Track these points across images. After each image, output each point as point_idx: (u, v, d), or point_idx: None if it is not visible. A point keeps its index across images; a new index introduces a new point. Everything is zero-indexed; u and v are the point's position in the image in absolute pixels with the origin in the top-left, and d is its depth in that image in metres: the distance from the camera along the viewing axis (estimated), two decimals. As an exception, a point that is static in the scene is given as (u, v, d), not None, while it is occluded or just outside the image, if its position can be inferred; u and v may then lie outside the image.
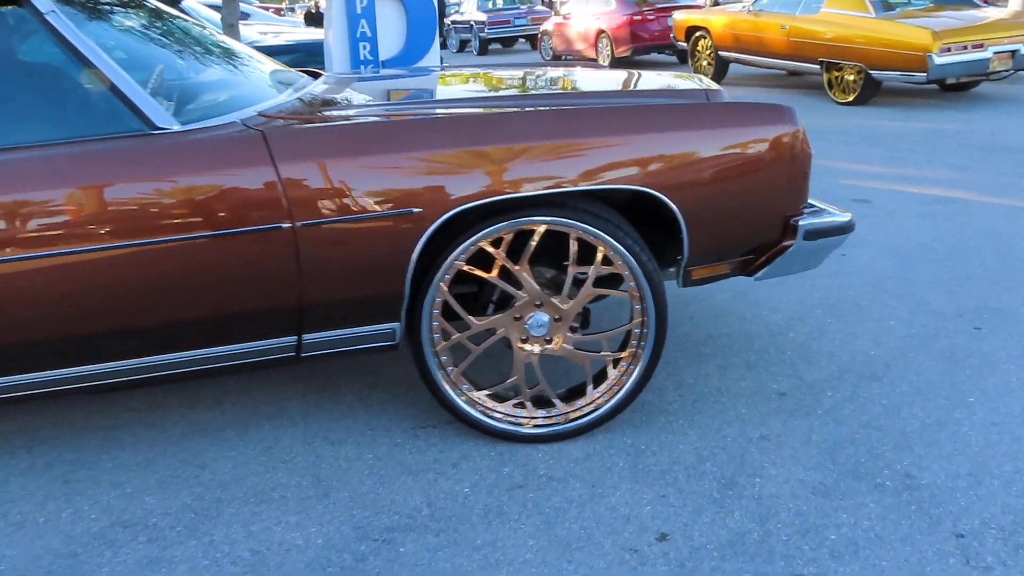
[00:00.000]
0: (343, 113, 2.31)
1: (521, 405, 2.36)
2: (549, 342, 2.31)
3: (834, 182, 5.18)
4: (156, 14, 2.67)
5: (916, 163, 5.63)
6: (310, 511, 2.10)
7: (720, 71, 10.24)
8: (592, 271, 2.24)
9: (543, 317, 2.27)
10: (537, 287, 2.24)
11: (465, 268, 2.18)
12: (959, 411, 2.45)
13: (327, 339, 2.19)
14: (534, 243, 2.19)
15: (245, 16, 11.61)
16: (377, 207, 2.04)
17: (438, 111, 2.31)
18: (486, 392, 2.35)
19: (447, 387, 2.30)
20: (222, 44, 2.80)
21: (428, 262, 2.17)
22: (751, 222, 2.30)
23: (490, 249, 2.17)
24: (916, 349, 2.86)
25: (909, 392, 2.57)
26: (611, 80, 2.87)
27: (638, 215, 2.43)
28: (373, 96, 2.73)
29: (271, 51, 6.29)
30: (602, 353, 2.34)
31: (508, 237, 2.18)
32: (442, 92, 2.93)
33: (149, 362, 2.10)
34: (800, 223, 2.31)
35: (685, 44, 10.83)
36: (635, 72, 3.08)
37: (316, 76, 3.07)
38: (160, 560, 1.94)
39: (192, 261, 1.99)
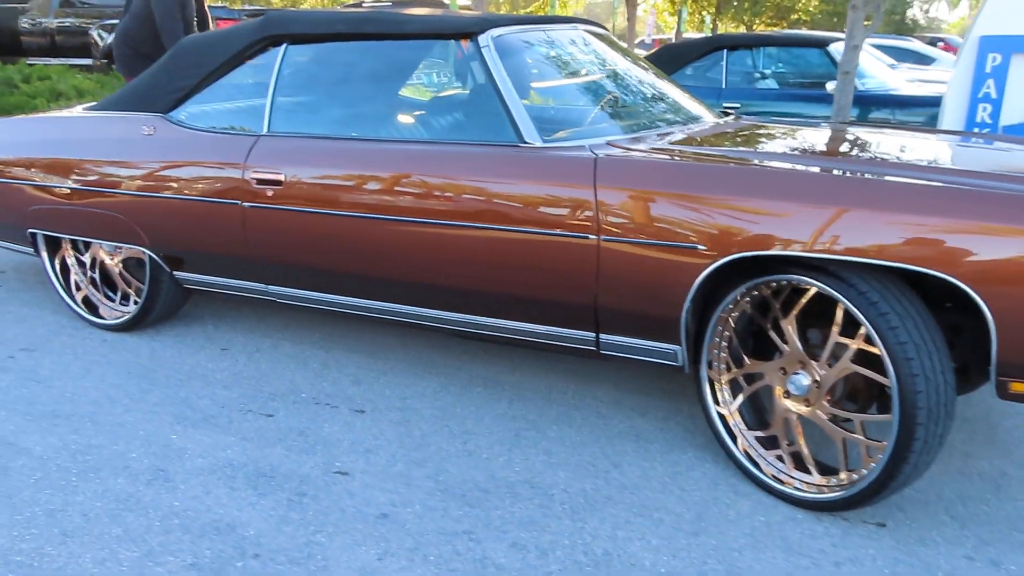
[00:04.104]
0: (674, 151, 2.52)
1: (780, 459, 2.39)
2: (809, 405, 2.32)
3: None
4: (585, 45, 3.19)
5: None
6: (674, 541, 2.19)
7: None
8: (831, 338, 2.21)
9: (803, 378, 2.30)
10: (798, 345, 2.28)
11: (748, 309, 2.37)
12: None
13: (620, 343, 2.53)
14: (803, 301, 2.25)
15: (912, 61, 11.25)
16: (667, 238, 2.30)
17: (755, 162, 2.41)
18: (755, 435, 2.45)
19: (716, 416, 2.49)
20: (645, 83, 3.20)
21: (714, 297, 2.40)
22: None
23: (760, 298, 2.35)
24: None
25: None
26: (978, 159, 2.67)
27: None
28: (721, 143, 2.72)
29: (885, 100, 6.11)
30: (854, 435, 2.26)
31: (787, 291, 2.30)
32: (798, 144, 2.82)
33: (484, 322, 2.72)
34: None
35: None
36: None
37: (730, 115, 3.32)
38: (536, 523, 2.25)
39: (524, 251, 2.51)
